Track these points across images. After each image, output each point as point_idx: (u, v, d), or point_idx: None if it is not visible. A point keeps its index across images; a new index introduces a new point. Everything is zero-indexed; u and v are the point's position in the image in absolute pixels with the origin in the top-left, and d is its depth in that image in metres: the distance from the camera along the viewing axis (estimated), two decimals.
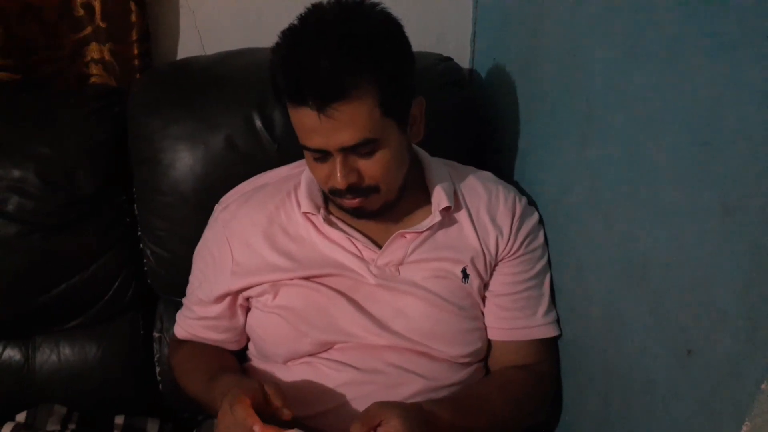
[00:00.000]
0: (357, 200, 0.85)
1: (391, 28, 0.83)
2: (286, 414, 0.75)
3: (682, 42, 0.64)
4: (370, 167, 0.83)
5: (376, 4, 0.82)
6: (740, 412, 0.57)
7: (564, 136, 0.94)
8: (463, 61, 1.35)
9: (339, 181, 0.82)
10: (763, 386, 0.55)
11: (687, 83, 0.64)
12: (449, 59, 1.25)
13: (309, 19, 0.80)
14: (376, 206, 0.88)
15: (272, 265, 0.92)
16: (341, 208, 0.90)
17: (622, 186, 0.77)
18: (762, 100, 0.53)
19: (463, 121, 1.20)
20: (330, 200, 0.91)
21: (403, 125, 0.85)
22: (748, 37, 0.55)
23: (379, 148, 0.82)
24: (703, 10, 0.61)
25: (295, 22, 0.81)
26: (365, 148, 0.81)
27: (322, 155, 0.83)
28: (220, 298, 0.96)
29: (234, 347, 1.01)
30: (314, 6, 0.81)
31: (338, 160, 0.82)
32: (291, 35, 0.80)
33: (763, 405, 0.55)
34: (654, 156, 0.70)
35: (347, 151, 0.81)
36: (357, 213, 0.89)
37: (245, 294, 0.95)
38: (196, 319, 1.00)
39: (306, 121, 0.79)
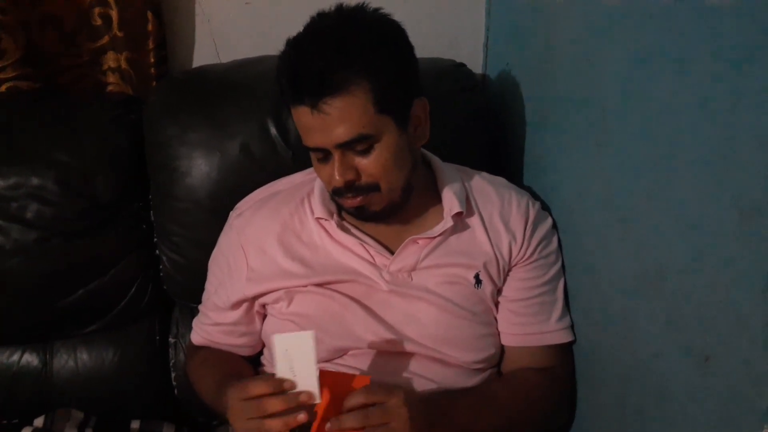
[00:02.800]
0: (357, 199, 0.86)
1: (387, 29, 0.85)
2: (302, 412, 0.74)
3: (698, 48, 0.64)
4: (368, 165, 0.84)
5: (375, 9, 0.85)
6: (758, 418, 0.57)
7: (579, 142, 0.94)
8: (476, 66, 1.35)
9: (336, 178, 0.84)
10: None
11: (702, 89, 0.64)
12: (462, 65, 1.25)
13: (311, 25, 0.84)
14: (379, 207, 0.88)
15: (286, 271, 0.92)
16: (347, 211, 0.91)
17: (637, 191, 0.77)
18: None
19: (476, 126, 1.20)
20: (336, 203, 0.92)
21: (403, 124, 0.85)
22: (765, 42, 0.55)
23: (376, 145, 0.83)
24: (719, 16, 0.61)
25: (301, 30, 0.85)
26: (361, 144, 0.82)
27: (324, 155, 0.85)
28: (236, 305, 0.97)
29: (249, 352, 1.02)
30: (318, 14, 0.85)
31: (336, 157, 0.83)
32: (294, 41, 0.84)
33: None
34: (670, 162, 0.70)
35: (344, 147, 0.82)
36: (361, 214, 0.89)
37: (261, 301, 0.96)
38: (213, 325, 1.01)
39: (303, 119, 0.82)
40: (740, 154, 0.59)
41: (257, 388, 0.75)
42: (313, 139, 0.83)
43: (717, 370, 0.63)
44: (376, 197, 0.86)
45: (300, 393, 0.74)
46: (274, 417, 0.73)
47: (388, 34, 0.85)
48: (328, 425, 0.73)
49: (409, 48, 0.87)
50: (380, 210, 0.88)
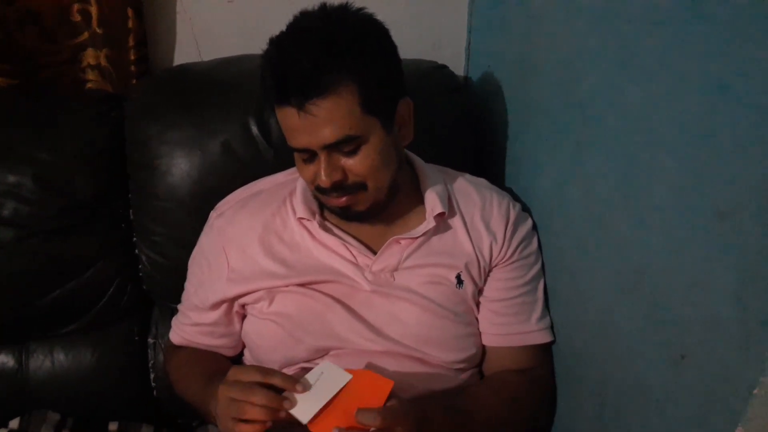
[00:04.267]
0: (344, 198, 0.86)
1: (372, 30, 0.85)
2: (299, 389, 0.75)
3: (676, 50, 0.65)
4: (355, 165, 0.84)
5: (359, 9, 0.85)
6: (734, 417, 0.58)
7: (559, 142, 0.95)
8: (458, 68, 1.36)
9: (323, 179, 0.83)
10: (756, 391, 0.55)
11: (680, 91, 0.65)
12: (444, 67, 1.26)
13: (294, 24, 0.83)
14: (364, 206, 0.88)
15: (267, 271, 0.92)
16: (331, 210, 0.91)
17: (616, 192, 0.78)
18: (754, 108, 0.54)
19: (457, 128, 1.20)
20: (321, 203, 0.92)
21: (388, 124, 0.86)
22: (740, 46, 0.56)
23: (363, 146, 0.83)
24: (697, 20, 0.62)
25: (284, 28, 0.84)
26: (348, 145, 0.82)
27: (309, 155, 0.84)
28: (216, 305, 0.96)
29: (230, 353, 1.01)
30: (301, 13, 0.84)
31: (322, 158, 0.83)
32: (278, 40, 0.83)
33: (756, 410, 0.56)
34: (648, 163, 0.71)
35: (330, 148, 0.82)
36: (345, 213, 0.89)
37: (241, 301, 0.95)
38: (192, 325, 1.00)
39: (289, 120, 0.81)
40: (717, 156, 0.60)
41: (250, 374, 0.75)
42: (298, 140, 0.83)
43: (693, 368, 0.64)
44: (362, 196, 0.86)
45: (286, 398, 0.73)
46: (256, 407, 0.73)
47: (373, 34, 0.84)
48: (335, 430, 0.72)
49: (394, 48, 0.87)
50: (365, 210, 0.88)
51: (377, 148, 0.84)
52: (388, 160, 0.86)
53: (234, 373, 0.77)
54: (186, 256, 1.03)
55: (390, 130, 0.86)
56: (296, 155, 0.87)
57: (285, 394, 0.74)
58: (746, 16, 0.55)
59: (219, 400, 0.76)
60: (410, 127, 0.91)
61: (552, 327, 0.98)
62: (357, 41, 0.81)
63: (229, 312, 0.97)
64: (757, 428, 0.56)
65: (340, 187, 0.85)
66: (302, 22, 0.83)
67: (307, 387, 0.75)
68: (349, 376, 0.76)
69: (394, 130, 0.87)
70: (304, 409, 0.74)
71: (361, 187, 0.85)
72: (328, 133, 0.80)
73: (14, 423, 1.08)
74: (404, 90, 0.89)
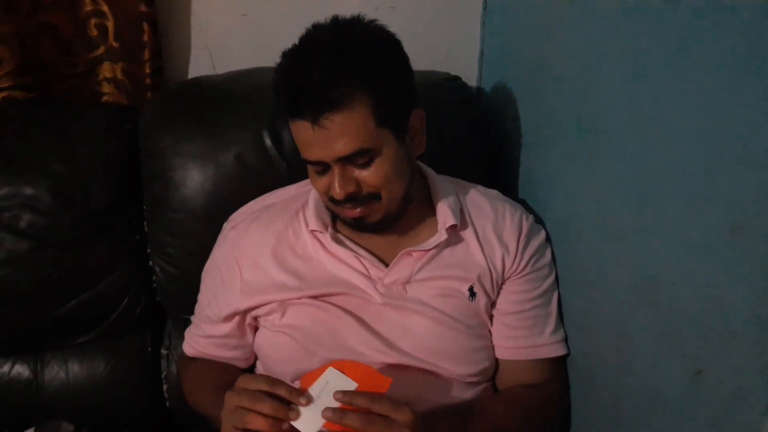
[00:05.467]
0: (358, 210, 0.86)
1: (384, 41, 0.85)
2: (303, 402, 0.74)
3: (690, 62, 0.65)
4: (369, 177, 0.84)
5: (371, 21, 0.85)
6: (750, 431, 0.56)
7: (572, 154, 0.94)
8: (471, 79, 1.36)
9: (337, 191, 0.83)
10: None
11: (695, 103, 0.64)
12: (457, 78, 1.26)
13: (307, 38, 0.84)
14: (377, 217, 0.88)
15: (280, 284, 0.92)
16: (344, 221, 0.91)
17: (630, 205, 0.77)
18: None
19: (470, 139, 1.20)
20: (335, 214, 0.92)
21: (401, 135, 0.86)
22: (755, 57, 0.55)
23: (376, 158, 0.83)
24: (711, 31, 0.61)
25: (296, 42, 0.84)
26: (361, 158, 0.82)
27: (323, 168, 0.85)
28: (229, 317, 0.96)
29: (243, 365, 1.01)
30: (313, 26, 0.85)
31: (336, 171, 0.83)
32: (290, 54, 0.83)
33: None
34: (662, 175, 0.70)
35: (344, 161, 0.82)
36: (359, 225, 0.89)
37: (253, 313, 0.95)
38: (205, 337, 1.00)
39: (303, 133, 0.82)
40: (731, 169, 0.59)
41: (259, 382, 0.75)
42: (312, 153, 0.83)
43: (709, 383, 0.63)
44: (376, 207, 0.86)
45: (292, 409, 0.73)
46: (259, 417, 0.73)
47: (385, 46, 0.85)
48: (328, 413, 0.72)
49: (406, 59, 0.87)
50: (378, 221, 0.88)
51: (390, 160, 0.84)
52: (402, 171, 0.87)
53: (242, 381, 0.77)
54: (199, 268, 1.04)
55: (403, 141, 0.86)
56: (310, 167, 0.87)
57: (291, 406, 0.74)
58: (761, 28, 0.55)
59: (225, 407, 0.76)
60: (423, 137, 0.91)
61: (566, 340, 0.97)
62: (368, 53, 0.81)
63: (241, 324, 0.97)
64: None
65: (354, 198, 0.85)
66: (314, 35, 0.83)
67: (311, 399, 0.74)
68: (353, 384, 0.76)
69: (406, 140, 0.87)
70: (308, 421, 0.73)
71: (375, 197, 0.86)
72: (342, 146, 0.80)
73: None
74: (416, 100, 0.89)
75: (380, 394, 0.75)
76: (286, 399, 0.74)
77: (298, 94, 0.80)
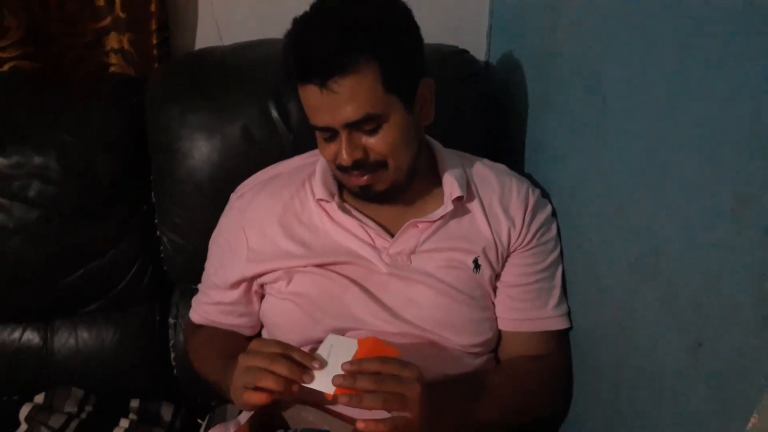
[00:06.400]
0: (365, 177, 0.86)
1: (394, 9, 0.85)
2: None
3: (697, 38, 0.64)
4: (376, 144, 0.84)
5: None
6: (749, 405, 0.57)
7: (579, 130, 0.94)
8: (479, 53, 1.35)
9: (344, 158, 0.84)
10: None
11: (701, 79, 0.64)
12: (465, 52, 1.25)
13: (317, 5, 0.84)
14: (383, 187, 0.88)
15: (286, 252, 0.93)
16: (351, 191, 0.91)
17: (636, 180, 0.77)
18: None
19: (477, 113, 1.20)
20: (341, 183, 0.92)
21: (409, 104, 0.86)
22: (762, 34, 0.55)
23: (384, 125, 0.83)
24: (718, 8, 0.61)
25: (307, 9, 0.85)
26: (369, 124, 0.83)
27: (331, 134, 0.85)
28: (235, 284, 0.97)
29: (249, 332, 1.03)
30: None
31: (343, 136, 0.83)
32: (300, 20, 0.84)
33: None
34: (668, 150, 0.70)
35: (352, 127, 0.83)
36: (365, 194, 0.90)
37: (260, 281, 0.96)
38: (213, 305, 1.01)
39: (312, 98, 0.82)
40: (736, 142, 0.59)
41: (272, 345, 0.77)
42: (320, 119, 0.83)
43: (710, 356, 0.63)
44: (383, 175, 0.87)
45: (306, 370, 0.75)
46: (272, 377, 0.74)
47: (395, 14, 0.85)
48: (339, 379, 0.74)
49: (416, 28, 0.87)
50: (384, 190, 0.89)
51: (398, 128, 0.84)
52: (409, 140, 0.87)
53: (256, 344, 0.79)
54: (206, 238, 1.05)
55: (411, 109, 0.86)
56: (318, 134, 0.88)
57: (305, 369, 0.76)
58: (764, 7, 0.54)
59: (237, 368, 0.78)
60: (431, 107, 0.91)
61: (569, 314, 0.98)
62: (379, 20, 0.81)
63: (248, 291, 0.98)
64: None
65: (361, 165, 0.85)
66: (325, 3, 0.84)
67: (322, 363, 0.76)
68: (355, 343, 0.78)
69: (415, 110, 0.88)
70: (324, 381, 0.75)
71: (382, 165, 0.86)
72: (350, 111, 0.81)
73: (39, 398, 1.11)
74: (425, 70, 0.89)
75: (388, 357, 0.76)
76: (299, 363, 0.76)
77: (307, 58, 0.80)
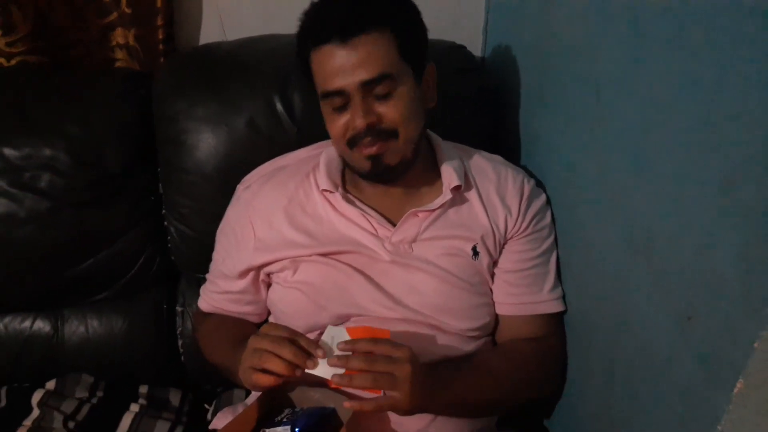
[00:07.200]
0: (375, 146, 0.88)
1: None
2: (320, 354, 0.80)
3: (686, 29, 0.68)
4: (388, 111, 0.88)
5: None
6: (735, 371, 0.61)
7: (574, 119, 0.98)
8: (476, 49, 1.39)
9: (358, 121, 0.87)
10: (756, 345, 0.59)
11: (690, 68, 0.67)
12: (462, 47, 1.28)
13: None
14: (393, 160, 0.90)
15: (291, 241, 0.96)
16: (359, 170, 0.93)
17: (628, 164, 0.81)
18: (759, 83, 0.57)
19: (474, 107, 1.23)
20: (348, 163, 0.94)
21: (418, 77, 0.91)
22: (747, 24, 0.59)
23: (395, 92, 0.87)
24: (704, 2, 0.65)
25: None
26: (383, 86, 0.86)
27: (342, 102, 0.88)
28: (243, 274, 1.00)
29: (256, 320, 1.06)
30: None
31: (357, 100, 0.86)
32: None
33: (757, 363, 0.59)
34: (659, 136, 0.74)
35: (366, 88, 0.86)
36: (375, 167, 0.91)
37: (267, 270, 0.99)
38: (221, 293, 1.05)
39: (328, 60, 0.86)
40: (721, 132, 0.63)
41: (281, 330, 0.81)
42: (335, 81, 0.86)
43: (698, 328, 0.67)
44: (393, 146, 0.89)
45: (309, 357, 0.79)
46: (279, 360, 0.78)
47: None
48: (334, 360, 0.78)
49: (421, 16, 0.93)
50: (394, 165, 0.91)
51: (409, 96, 0.88)
52: (417, 113, 0.91)
53: (266, 328, 0.82)
54: (212, 228, 1.08)
55: (419, 82, 0.91)
56: (326, 108, 0.91)
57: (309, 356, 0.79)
58: None
59: (246, 350, 0.82)
60: (434, 92, 0.96)
61: (564, 297, 1.02)
62: None
63: (256, 281, 1.01)
64: (756, 381, 0.60)
65: (373, 130, 0.88)
66: None
67: (327, 350, 0.80)
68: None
69: (422, 85, 0.92)
70: (326, 369, 0.79)
71: (393, 134, 0.89)
72: (366, 70, 0.85)
73: (51, 384, 1.14)
74: (429, 56, 0.94)
75: (380, 338, 0.80)
76: (304, 349, 0.79)
77: (329, 17, 0.85)
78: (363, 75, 0.85)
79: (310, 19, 0.89)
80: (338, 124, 0.90)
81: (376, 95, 0.87)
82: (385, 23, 0.85)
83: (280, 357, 0.78)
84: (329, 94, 0.88)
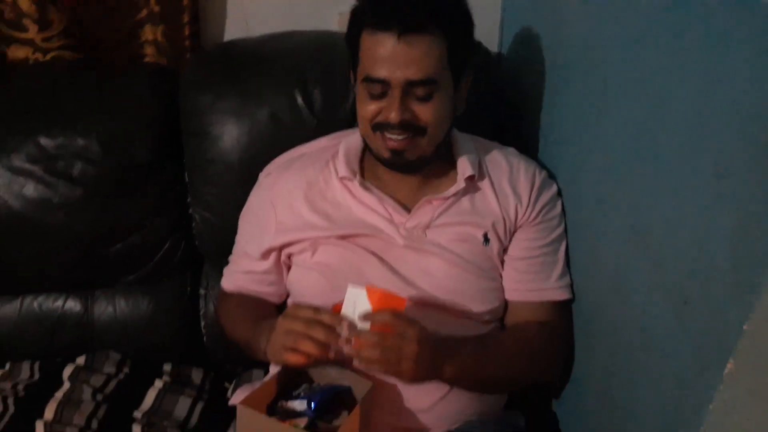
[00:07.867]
0: (403, 139, 0.91)
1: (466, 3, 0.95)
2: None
3: (686, 29, 0.71)
4: (424, 112, 0.91)
5: None
6: (726, 352, 0.64)
7: (583, 113, 1.01)
8: (492, 45, 1.41)
9: (393, 114, 0.89)
10: (745, 327, 0.62)
11: (688, 65, 0.71)
12: (478, 43, 1.30)
13: None
14: (414, 156, 0.94)
15: (311, 223, 1.01)
16: (378, 156, 0.96)
17: (630, 157, 0.85)
18: (750, 80, 0.60)
19: (490, 103, 1.26)
20: (370, 146, 0.97)
21: (457, 85, 0.94)
22: (740, 23, 0.62)
23: (435, 95, 0.90)
24: (704, 2, 0.68)
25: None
26: (425, 89, 0.89)
27: (382, 90, 0.90)
28: (266, 254, 1.05)
29: (275, 300, 1.11)
30: None
31: (397, 95, 0.89)
32: None
33: (746, 344, 0.62)
34: (658, 130, 0.77)
35: (409, 86, 0.88)
36: (395, 159, 0.94)
37: (287, 251, 1.04)
38: (244, 273, 1.10)
39: (381, 48, 0.87)
40: (717, 123, 0.66)
41: (304, 310, 0.86)
42: (382, 70, 0.88)
43: (693, 312, 0.71)
44: (418, 143, 0.93)
45: (341, 338, 0.83)
46: (310, 341, 0.83)
47: (466, 4, 0.94)
48: (346, 332, 0.83)
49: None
50: (414, 159, 0.94)
51: (446, 101, 0.92)
52: (448, 117, 0.95)
53: (293, 309, 0.87)
54: (235, 215, 1.13)
55: (457, 91, 0.94)
56: (362, 89, 0.93)
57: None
58: None
59: (276, 330, 0.86)
60: (464, 99, 0.99)
61: (571, 286, 1.05)
62: (456, 2, 0.91)
63: (277, 262, 1.06)
64: (746, 362, 0.63)
65: (406, 126, 0.91)
66: None
67: (350, 324, 0.84)
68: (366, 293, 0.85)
69: (457, 94, 0.95)
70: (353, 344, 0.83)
71: (422, 132, 0.92)
72: (416, 70, 0.87)
73: (81, 360, 1.20)
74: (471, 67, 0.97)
75: (399, 312, 0.85)
76: (329, 325, 0.84)
77: (392, 7, 0.86)
78: (411, 74, 0.87)
79: (372, 2, 0.89)
80: (370, 108, 0.92)
81: (416, 95, 0.89)
82: (444, 28, 0.87)
83: (312, 338, 0.83)
84: (372, 80, 0.90)
